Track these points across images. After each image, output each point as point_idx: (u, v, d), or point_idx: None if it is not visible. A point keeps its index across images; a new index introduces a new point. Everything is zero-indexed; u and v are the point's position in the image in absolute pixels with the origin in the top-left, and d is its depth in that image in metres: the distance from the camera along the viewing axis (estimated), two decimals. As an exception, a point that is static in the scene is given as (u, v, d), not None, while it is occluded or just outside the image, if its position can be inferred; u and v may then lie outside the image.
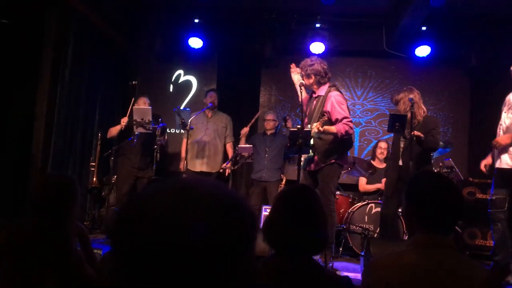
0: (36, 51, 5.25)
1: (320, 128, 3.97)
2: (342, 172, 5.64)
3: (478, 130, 6.62)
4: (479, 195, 5.40)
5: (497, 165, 4.22)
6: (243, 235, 0.73)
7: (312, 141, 4.26)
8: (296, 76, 4.50)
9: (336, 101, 4.20)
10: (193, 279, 0.66)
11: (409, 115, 4.27)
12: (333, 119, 4.18)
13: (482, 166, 4.47)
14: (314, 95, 4.46)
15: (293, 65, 4.63)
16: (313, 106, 4.39)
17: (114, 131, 5.65)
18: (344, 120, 4.14)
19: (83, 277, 1.97)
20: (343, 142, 4.27)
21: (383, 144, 6.07)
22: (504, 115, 4.27)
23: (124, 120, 5.50)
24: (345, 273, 3.90)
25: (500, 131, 4.28)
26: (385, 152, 5.97)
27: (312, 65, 4.32)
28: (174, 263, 0.65)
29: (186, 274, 0.65)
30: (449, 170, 5.47)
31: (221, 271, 0.68)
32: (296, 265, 1.60)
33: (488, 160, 4.42)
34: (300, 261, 1.62)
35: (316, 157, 4.32)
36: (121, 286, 0.70)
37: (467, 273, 1.55)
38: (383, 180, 4.95)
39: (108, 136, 5.78)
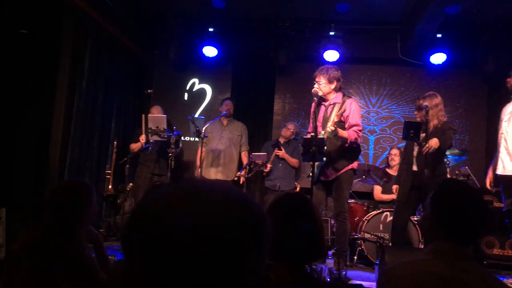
0: (54, 61, 5.33)
1: (333, 128, 4.02)
2: (357, 180, 5.67)
3: (495, 137, 6.49)
4: (497, 204, 5.31)
5: (500, 172, 4.21)
6: (257, 238, 0.73)
7: (325, 148, 4.28)
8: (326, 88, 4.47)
9: (354, 107, 4.34)
10: (204, 281, 0.66)
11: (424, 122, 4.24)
12: (347, 125, 4.23)
13: (488, 186, 4.47)
14: (326, 103, 4.47)
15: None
16: (328, 113, 4.39)
17: (135, 147, 5.80)
18: (355, 128, 4.26)
19: (96, 282, 1.99)
20: (354, 148, 4.36)
21: (393, 151, 6.13)
22: (505, 124, 4.29)
23: (143, 138, 5.63)
24: (360, 282, 3.86)
25: (502, 140, 4.26)
26: (396, 159, 5.99)
27: (334, 71, 4.41)
28: (186, 265, 0.66)
29: (198, 275, 0.66)
30: (465, 178, 5.40)
31: (234, 274, 0.68)
32: (285, 273, 1.56)
33: (490, 176, 4.44)
34: (292, 270, 1.57)
35: (329, 166, 4.33)
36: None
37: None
38: (394, 187, 4.91)
39: (130, 151, 5.90)
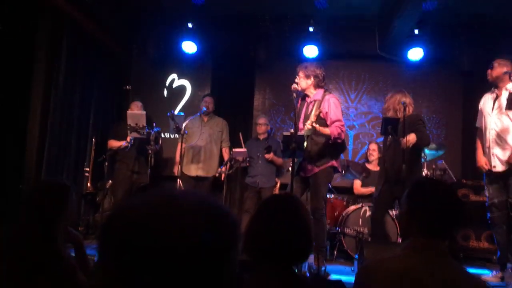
0: (29, 57, 5.24)
1: (314, 125, 4.01)
2: (336, 175, 5.67)
3: (471, 132, 6.61)
4: (473, 197, 5.42)
5: (499, 169, 4.24)
6: (226, 242, 0.75)
7: (305, 144, 4.29)
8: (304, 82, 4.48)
9: (333, 103, 4.32)
10: (177, 283, 0.68)
11: (401, 118, 4.29)
12: (328, 121, 4.24)
13: (485, 166, 4.42)
14: (308, 99, 4.50)
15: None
16: (309, 110, 4.41)
17: (115, 144, 5.70)
18: (337, 123, 4.24)
19: (75, 283, 1.97)
20: (336, 145, 4.33)
21: (372, 146, 6.23)
22: (494, 119, 4.30)
23: (129, 139, 5.50)
24: (339, 276, 3.90)
25: (494, 136, 4.29)
26: (374, 154, 6.09)
27: (313, 67, 4.42)
28: (160, 268, 0.67)
29: (171, 278, 0.68)
30: (442, 172, 5.50)
31: (204, 276, 0.70)
32: (274, 275, 1.58)
33: (484, 158, 4.41)
34: (279, 270, 1.59)
35: (308, 162, 4.34)
36: None
37: (462, 283, 1.55)
38: None
39: (108, 147, 5.82)
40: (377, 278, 1.56)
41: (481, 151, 4.47)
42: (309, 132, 4.12)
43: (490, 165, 4.29)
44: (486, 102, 4.44)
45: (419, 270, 1.53)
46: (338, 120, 4.27)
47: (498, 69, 4.30)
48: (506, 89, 4.26)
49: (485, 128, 4.38)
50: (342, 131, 4.26)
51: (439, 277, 1.52)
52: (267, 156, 5.82)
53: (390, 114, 4.41)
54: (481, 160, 4.42)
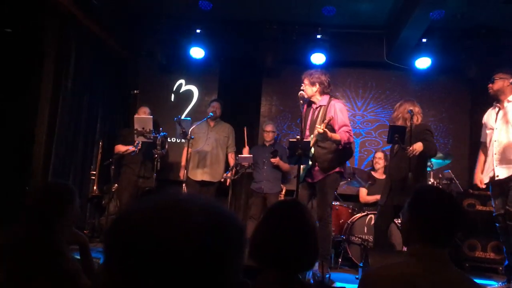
0: (38, 60, 5.28)
1: (326, 129, 3.99)
2: (342, 182, 5.65)
3: (478, 142, 6.58)
4: (479, 207, 5.39)
5: (503, 176, 4.22)
6: (231, 246, 0.75)
7: (312, 151, 4.29)
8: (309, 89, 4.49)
9: (339, 109, 4.33)
10: (182, 287, 0.69)
11: (408, 126, 4.28)
12: (336, 127, 4.24)
13: (480, 184, 4.46)
14: (314, 105, 4.50)
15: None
16: (314, 116, 4.42)
17: (122, 148, 5.72)
18: (344, 128, 4.24)
19: (79, 286, 1.97)
20: (344, 151, 4.33)
21: (378, 154, 6.22)
22: (496, 132, 4.29)
23: (136, 143, 5.53)
24: (343, 284, 3.88)
25: (497, 148, 4.27)
26: (380, 162, 6.07)
27: (317, 74, 4.44)
28: (164, 271, 0.68)
29: (175, 282, 0.68)
30: (448, 182, 5.48)
31: (208, 281, 0.71)
32: (279, 282, 1.58)
33: (481, 178, 4.45)
34: (284, 277, 1.59)
35: (316, 168, 4.34)
36: None
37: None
38: None
39: (115, 152, 5.84)
40: (379, 285, 1.56)
41: (480, 167, 4.51)
42: (320, 137, 4.12)
43: (494, 176, 4.28)
44: (490, 116, 4.46)
45: (420, 277, 1.54)
46: (345, 125, 4.27)
47: (500, 82, 4.32)
48: (508, 101, 4.27)
49: (490, 141, 4.37)
50: (350, 135, 4.28)
51: (440, 284, 1.53)
52: (273, 160, 5.82)
53: (399, 123, 4.41)
54: (477, 177, 4.48)
